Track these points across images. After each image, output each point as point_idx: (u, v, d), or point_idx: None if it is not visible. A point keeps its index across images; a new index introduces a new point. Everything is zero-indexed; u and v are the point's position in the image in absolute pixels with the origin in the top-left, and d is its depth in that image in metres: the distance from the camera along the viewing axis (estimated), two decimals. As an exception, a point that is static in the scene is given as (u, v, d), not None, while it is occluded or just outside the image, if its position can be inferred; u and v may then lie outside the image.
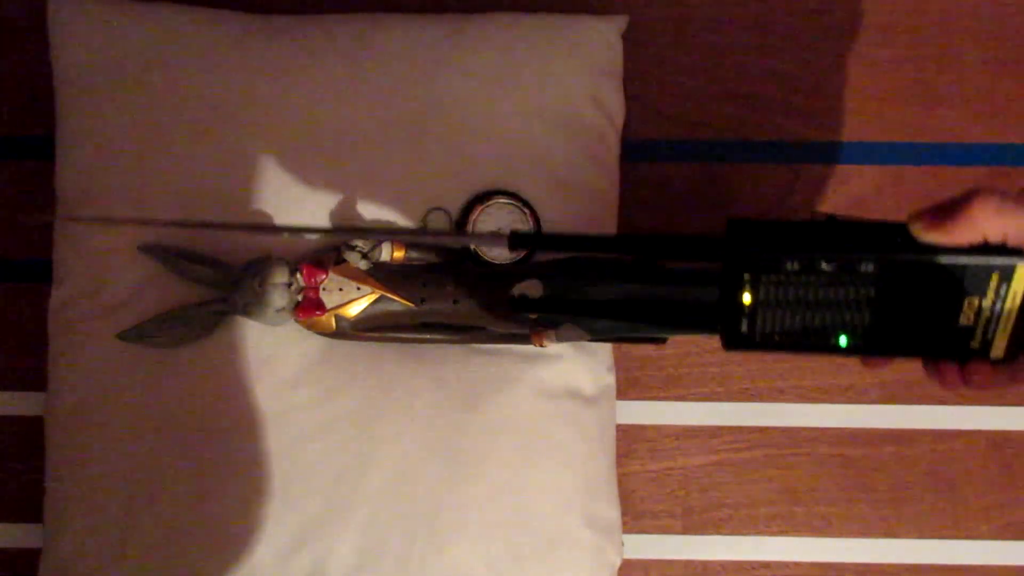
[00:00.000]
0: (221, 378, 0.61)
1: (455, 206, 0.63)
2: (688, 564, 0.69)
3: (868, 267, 0.39)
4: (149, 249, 0.61)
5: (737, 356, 0.69)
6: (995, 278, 0.38)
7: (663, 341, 0.65)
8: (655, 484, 0.69)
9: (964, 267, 0.38)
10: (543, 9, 0.66)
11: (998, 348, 0.40)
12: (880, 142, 0.70)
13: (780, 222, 0.41)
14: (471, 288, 0.61)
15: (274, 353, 0.62)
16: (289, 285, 0.59)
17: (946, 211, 0.37)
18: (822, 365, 0.69)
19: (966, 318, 0.39)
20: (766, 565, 0.69)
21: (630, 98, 0.68)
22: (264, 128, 0.62)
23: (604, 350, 0.66)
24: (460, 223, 0.63)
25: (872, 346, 0.41)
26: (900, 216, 0.71)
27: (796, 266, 0.39)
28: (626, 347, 0.68)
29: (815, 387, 0.69)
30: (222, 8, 0.64)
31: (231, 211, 0.62)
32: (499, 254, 0.63)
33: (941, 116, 0.70)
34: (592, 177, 0.65)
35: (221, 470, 0.61)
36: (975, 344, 0.40)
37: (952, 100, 0.70)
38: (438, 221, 0.63)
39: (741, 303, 0.40)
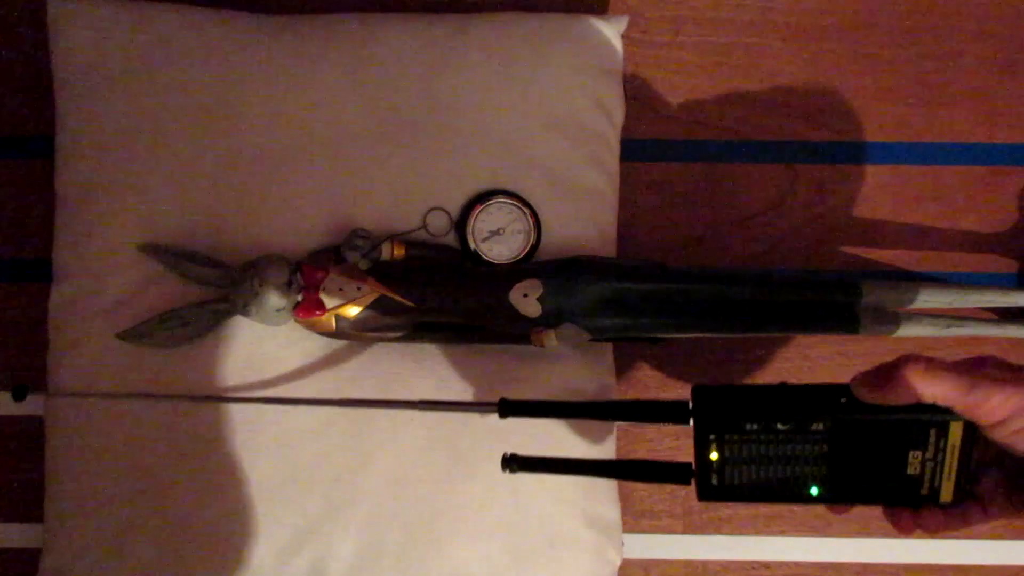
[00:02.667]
0: (221, 378, 0.61)
1: (455, 206, 0.63)
2: (688, 564, 0.69)
3: (819, 426, 0.43)
4: (149, 249, 0.61)
5: (736, 357, 0.69)
6: (933, 433, 0.42)
7: (663, 341, 0.65)
8: (653, 485, 0.69)
9: (904, 424, 0.42)
10: (543, 9, 0.66)
11: (946, 494, 0.44)
12: (880, 142, 0.70)
13: (740, 387, 0.46)
14: (471, 288, 0.61)
15: (274, 353, 0.62)
16: (289, 285, 0.59)
17: (881, 375, 0.41)
18: (822, 364, 0.69)
19: (913, 468, 0.43)
20: (766, 565, 0.69)
21: (630, 98, 0.68)
22: (264, 128, 0.62)
23: (604, 350, 0.66)
24: (460, 223, 0.63)
25: (832, 495, 0.45)
26: (899, 216, 0.71)
27: (755, 427, 0.44)
28: (626, 347, 0.68)
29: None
30: (222, 8, 0.64)
31: (231, 211, 0.62)
32: (499, 254, 0.63)
33: (941, 116, 0.70)
34: (592, 177, 0.65)
35: (221, 470, 0.61)
36: (924, 491, 0.44)
37: (952, 100, 0.70)
38: (438, 221, 0.63)
39: (710, 460, 0.45)
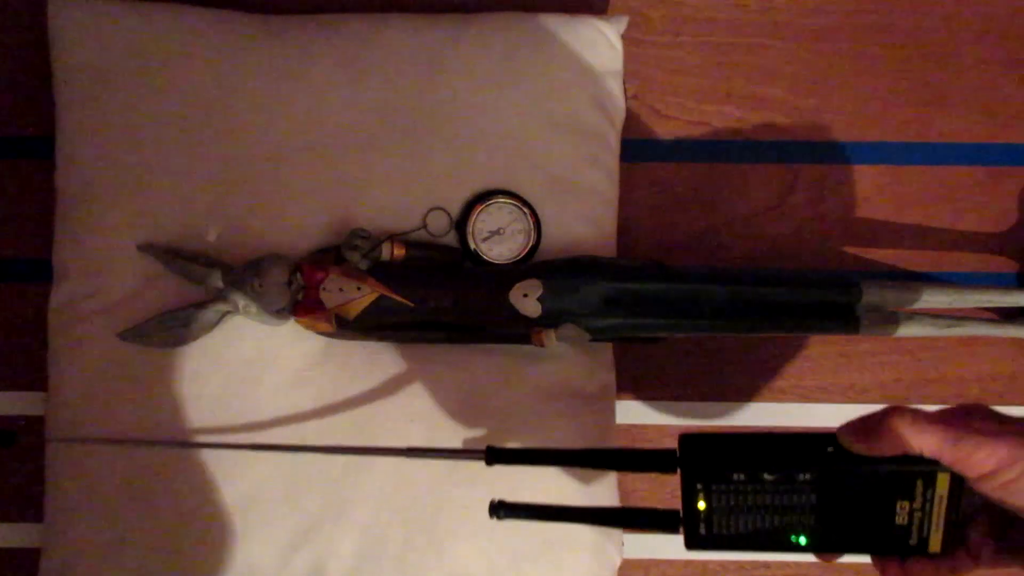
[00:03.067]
0: (221, 378, 0.61)
1: (455, 206, 0.63)
2: (688, 564, 0.69)
3: (805, 476, 0.43)
4: (149, 249, 0.61)
5: (736, 357, 0.69)
6: (920, 484, 0.42)
7: (663, 341, 0.65)
8: (655, 484, 0.69)
9: (891, 474, 0.42)
10: (543, 9, 0.66)
11: (935, 544, 0.44)
12: (880, 142, 0.70)
13: (727, 436, 0.45)
14: (471, 288, 0.61)
15: (274, 353, 0.62)
16: (289, 285, 0.59)
17: (868, 426, 0.41)
18: (822, 364, 0.69)
19: (901, 518, 0.43)
20: (766, 565, 0.69)
21: (630, 98, 0.68)
22: (264, 128, 0.62)
23: (604, 350, 0.66)
24: (460, 223, 0.63)
25: (820, 545, 0.45)
26: (899, 216, 0.71)
27: (742, 477, 0.44)
28: (626, 347, 0.68)
29: (816, 386, 0.69)
30: (222, 8, 0.64)
31: (231, 211, 0.62)
32: (499, 254, 0.63)
33: (941, 116, 0.70)
34: (592, 177, 0.65)
35: (221, 470, 0.61)
36: (913, 541, 0.44)
37: (952, 100, 0.70)
38: (438, 221, 0.63)
39: (697, 509, 0.45)
